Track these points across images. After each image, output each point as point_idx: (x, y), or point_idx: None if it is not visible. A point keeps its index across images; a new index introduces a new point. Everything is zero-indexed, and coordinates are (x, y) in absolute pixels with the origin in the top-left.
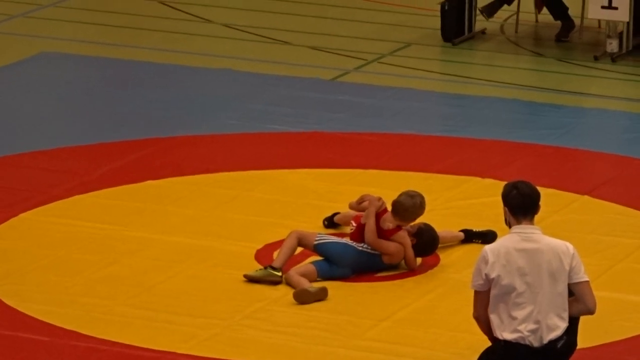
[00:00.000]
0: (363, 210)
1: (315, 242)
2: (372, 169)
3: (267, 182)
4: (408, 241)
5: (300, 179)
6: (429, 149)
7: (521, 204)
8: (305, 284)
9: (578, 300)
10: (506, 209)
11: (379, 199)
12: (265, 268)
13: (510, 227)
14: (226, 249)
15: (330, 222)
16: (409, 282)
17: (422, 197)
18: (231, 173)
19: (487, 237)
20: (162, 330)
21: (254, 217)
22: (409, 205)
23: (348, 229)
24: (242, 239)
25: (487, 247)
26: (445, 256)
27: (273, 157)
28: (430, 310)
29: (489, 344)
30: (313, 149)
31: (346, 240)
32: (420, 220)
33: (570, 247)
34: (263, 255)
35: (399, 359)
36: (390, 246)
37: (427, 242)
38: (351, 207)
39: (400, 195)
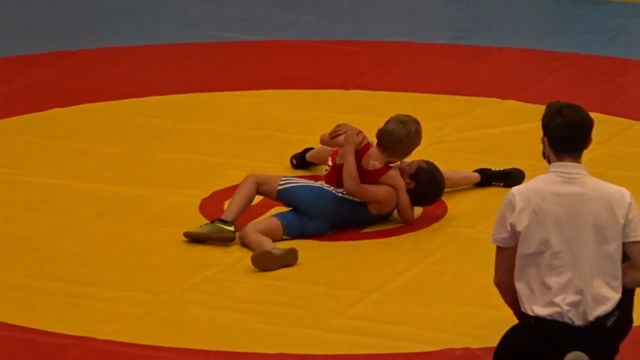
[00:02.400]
0: (339, 146)
1: (279, 187)
2: (354, 89)
3: (214, 109)
4: (401, 182)
5: (257, 104)
6: (431, 62)
7: (565, 137)
8: (267, 244)
9: (635, 266)
10: (546, 139)
11: (359, 132)
12: (213, 222)
13: (549, 163)
14: (161, 199)
15: (301, 161)
16: (406, 239)
17: (417, 123)
18: (165, 97)
19: (512, 178)
20: (76, 308)
21: (197, 156)
22: (401, 134)
23: (324, 170)
24: (181, 185)
25: (515, 189)
26: (454, 205)
27: (221, 75)
28: (433, 278)
29: (515, 320)
30: (275, 63)
31: (321, 183)
32: (418, 156)
33: (627, 194)
34: (210, 206)
35: (393, 342)
36: (378, 191)
37: (428, 186)
38: (323, 141)
39: (388, 122)
